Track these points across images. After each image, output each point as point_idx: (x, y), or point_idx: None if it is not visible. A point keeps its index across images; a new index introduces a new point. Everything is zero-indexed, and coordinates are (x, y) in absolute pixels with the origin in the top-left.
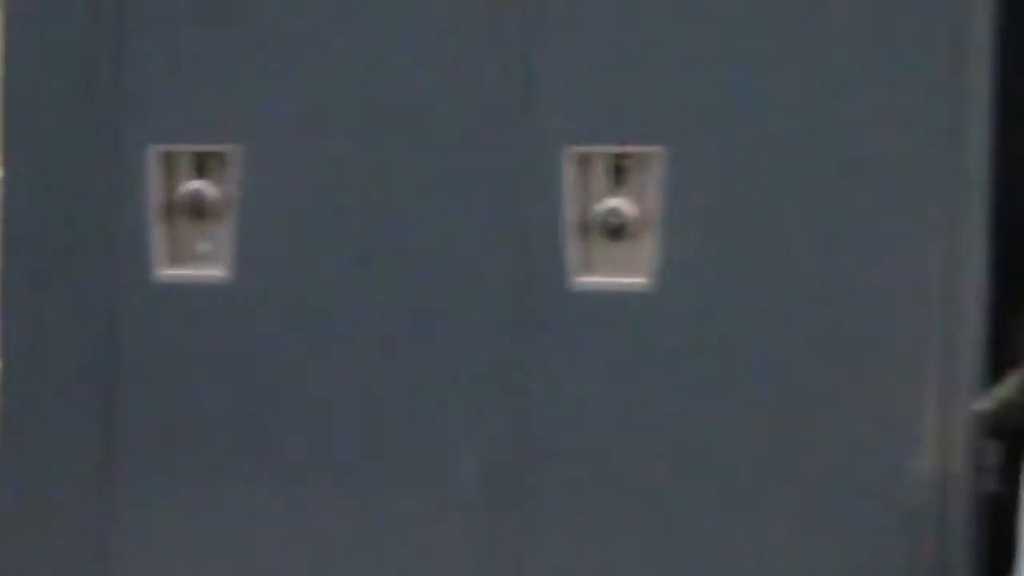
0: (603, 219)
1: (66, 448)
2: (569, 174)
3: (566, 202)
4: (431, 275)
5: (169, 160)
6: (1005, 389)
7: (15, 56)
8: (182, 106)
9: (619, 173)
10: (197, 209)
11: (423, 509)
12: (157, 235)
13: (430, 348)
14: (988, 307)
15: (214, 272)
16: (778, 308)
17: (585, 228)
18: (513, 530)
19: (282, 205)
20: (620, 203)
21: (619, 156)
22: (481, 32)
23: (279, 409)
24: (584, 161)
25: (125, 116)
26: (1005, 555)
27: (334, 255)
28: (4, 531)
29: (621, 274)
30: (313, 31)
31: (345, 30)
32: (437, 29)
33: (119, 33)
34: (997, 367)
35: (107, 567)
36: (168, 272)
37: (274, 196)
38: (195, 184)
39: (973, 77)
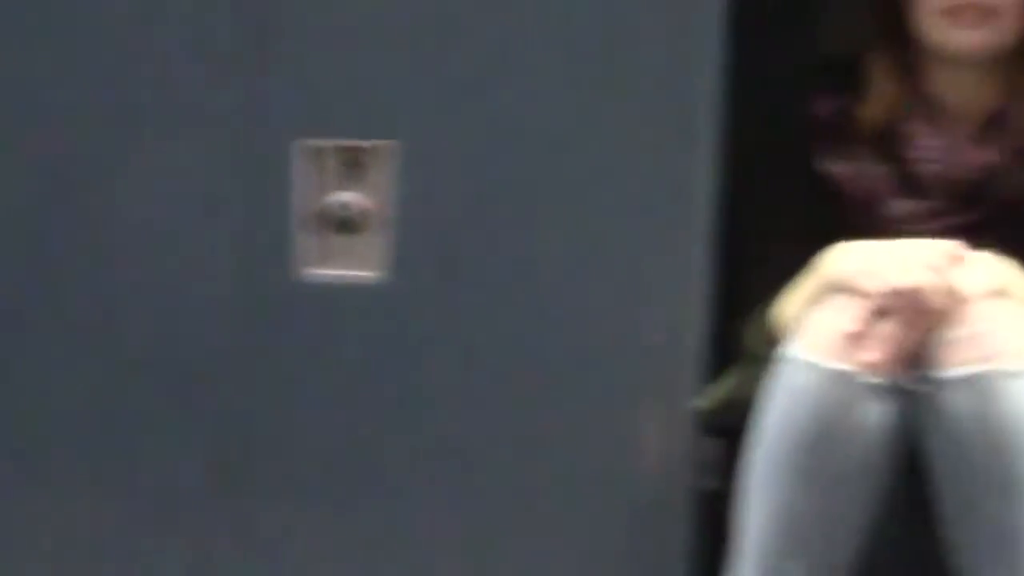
0: (334, 212)
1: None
2: (300, 167)
3: (297, 195)
4: (157, 267)
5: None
6: (724, 387)
7: None
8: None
9: (352, 167)
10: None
11: (143, 509)
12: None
13: (156, 339)
14: (710, 308)
15: None
16: (506, 304)
17: (316, 221)
18: (235, 527)
19: None
20: (352, 196)
21: (352, 149)
22: (213, 23)
23: None
24: (316, 154)
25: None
26: (723, 550)
27: None
28: None
29: (352, 267)
30: None
31: None
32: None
33: None
34: (718, 366)
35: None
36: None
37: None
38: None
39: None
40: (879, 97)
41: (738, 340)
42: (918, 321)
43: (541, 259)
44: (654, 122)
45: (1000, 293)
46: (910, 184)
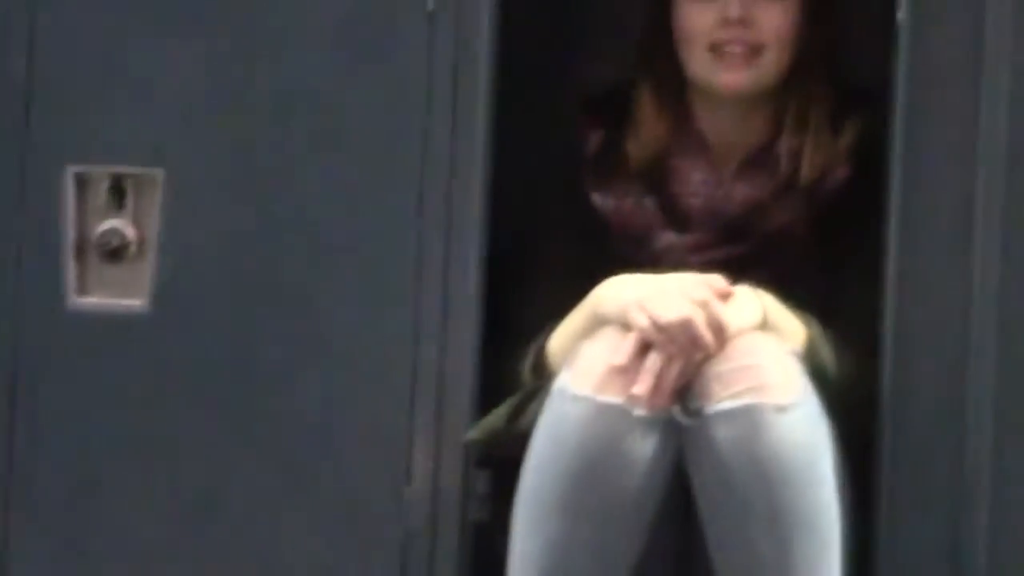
0: (103, 240)
1: None
2: (68, 194)
3: (64, 222)
4: None
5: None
6: (493, 418)
7: None
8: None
9: (119, 195)
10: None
11: None
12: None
13: None
14: (481, 340)
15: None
16: (275, 332)
17: (83, 249)
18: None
19: None
20: (120, 224)
21: (119, 177)
22: None
23: None
24: (84, 181)
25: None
26: None
27: None
28: None
29: (119, 296)
30: None
31: None
32: None
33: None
34: (491, 397)
35: None
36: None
37: None
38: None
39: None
40: (646, 132)
41: (511, 372)
42: (685, 355)
43: (312, 288)
44: (421, 153)
45: (764, 327)
46: (676, 218)
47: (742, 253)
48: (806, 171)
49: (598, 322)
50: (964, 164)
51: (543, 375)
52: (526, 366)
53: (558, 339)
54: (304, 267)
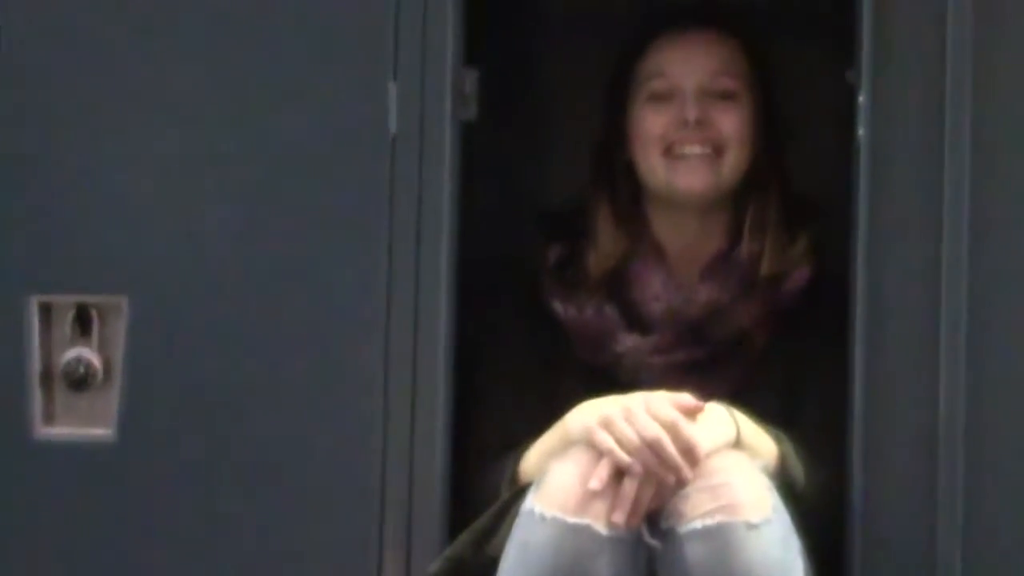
0: (68, 369)
1: None
2: (33, 323)
3: (30, 352)
4: None
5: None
6: (457, 546)
7: None
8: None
9: (84, 323)
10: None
11: None
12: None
13: None
14: (449, 465)
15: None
16: (241, 458)
17: (49, 378)
18: None
19: None
20: (85, 353)
21: (84, 305)
22: None
23: None
24: (48, 310)
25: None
26: None
27: None
28: None
29: (86, 425)
30: None
31: None
32: None
33: None
34: (455, 525)
35: None
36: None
37: None
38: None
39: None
40: (604, 245)
41: (475, 486)
42: (657, 477)
43: (276, 415)
44: (386, 270)
45: (737, 445)
46: (638, 322)
47: (704, 355)
48: (765, 271)
49: (569, 444)
50: (926, 272)
51: (513, 493)
52: (504, 492)
53: (532, 462)
54: (267, 391)
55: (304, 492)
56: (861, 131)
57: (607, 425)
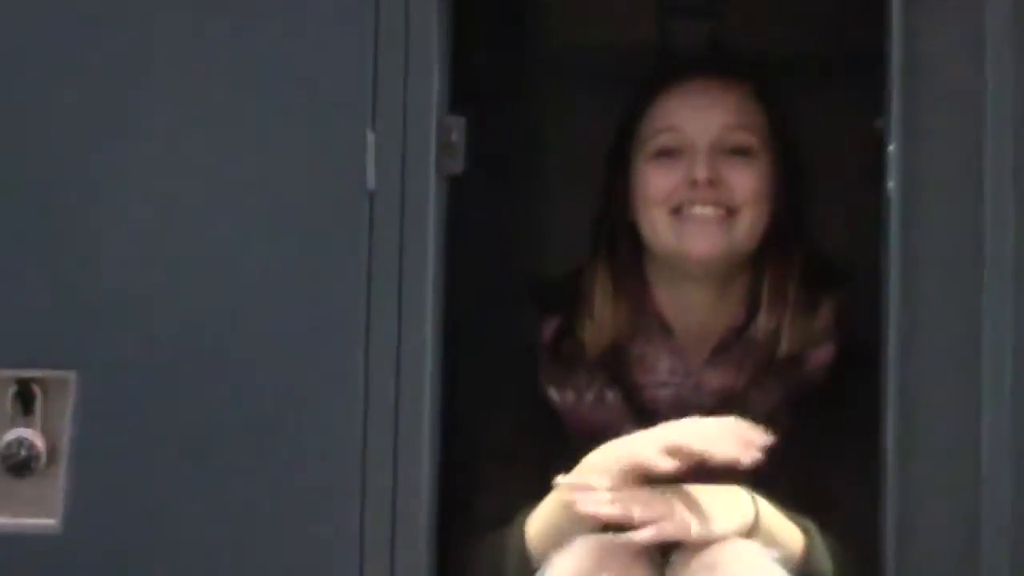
0: (8, 452)
1: None
2: None
3: None
4: None
5: None
6: None
7: None
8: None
9: (26, 401)
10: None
11: None
12: None
13: None
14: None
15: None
16: (196, 545)
17: None
18: None
19: None
20: (28, 434)
21: (27, 381)
22: None
23: None
24: None
25: None
26: None
27: None
28: None
29: (29, 514)
30: None
31: None
32: None
33: None
34: None
35: None
36: None
37: None
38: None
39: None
40: (600, 315)
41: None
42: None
43: (243, 508)
44: (364, 342)
45: (754, 531)
46: (642, 412)
47: None
48: (784, 351)
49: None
50: (965, 343)
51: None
52: (511, 559)
53: (538, 524)
54: (222, 471)
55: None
56: (891, 184)
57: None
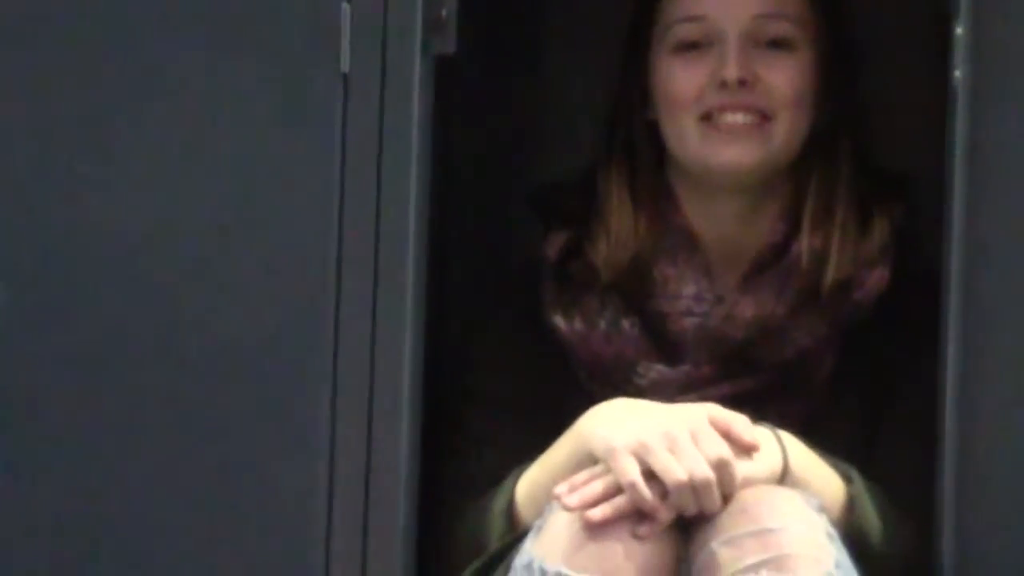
0: None
1: None
2: None
3: None
4: None
5: None
6: None
7: None
8: None
9: None
10: None
11: None
12: None
13: None
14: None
15: None
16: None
17: None
18: None
19: None
20: None
21: None
22: None
23: None
24: None
25: None
26: None
27: None
28: None
29: None
30: None
31: None
32: None
33: None
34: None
35: None
36: None
37: None
38: None
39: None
40: (618, 230)
41: (448, 534)
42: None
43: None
44: (337, 240)
45: (785, 479)
46: (665, 344)
47: (753, 388)
48: (831, 278)
49: (587, 462)
50: None
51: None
52: (496, 527)
53: (534, 488)
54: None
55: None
56: (958, 72)
57: (642, 452)
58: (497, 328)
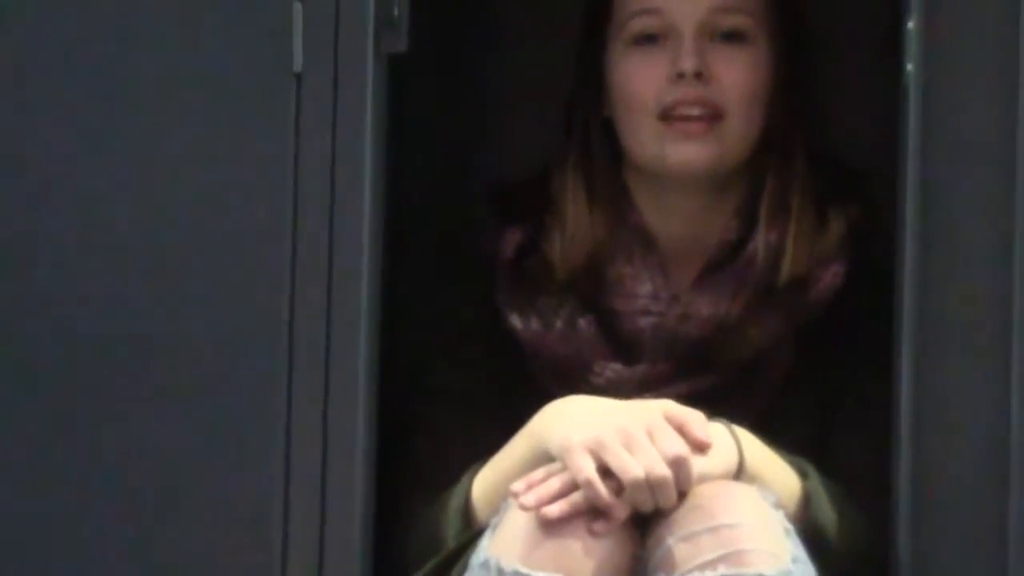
0: None
1: None
2: None
3: None
4: None
5: None
6: None
7: None
8: None
9: None
10: None
11: None
12: None
13: None
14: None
15: None
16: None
17: None
18: None
19: None
20: None
21: None
22: None
23: None
24: None
25: None
26: None
27: None
28: None
29: None
30: None
31: None
32: None
33: None
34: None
35: None
36: None
37: None
38: None
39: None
40: (574, 228)
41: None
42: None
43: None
44: (291, 240)
45: (740, 475)
46: (620, 343)
47: (710, 386)
48: (787, 273)
49: (543, 459)
50: (995, 256)
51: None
52: (451, 526)
53: (488, 487)
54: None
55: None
56: (910, 66)
57: (598, 449)
58: (454, 325)
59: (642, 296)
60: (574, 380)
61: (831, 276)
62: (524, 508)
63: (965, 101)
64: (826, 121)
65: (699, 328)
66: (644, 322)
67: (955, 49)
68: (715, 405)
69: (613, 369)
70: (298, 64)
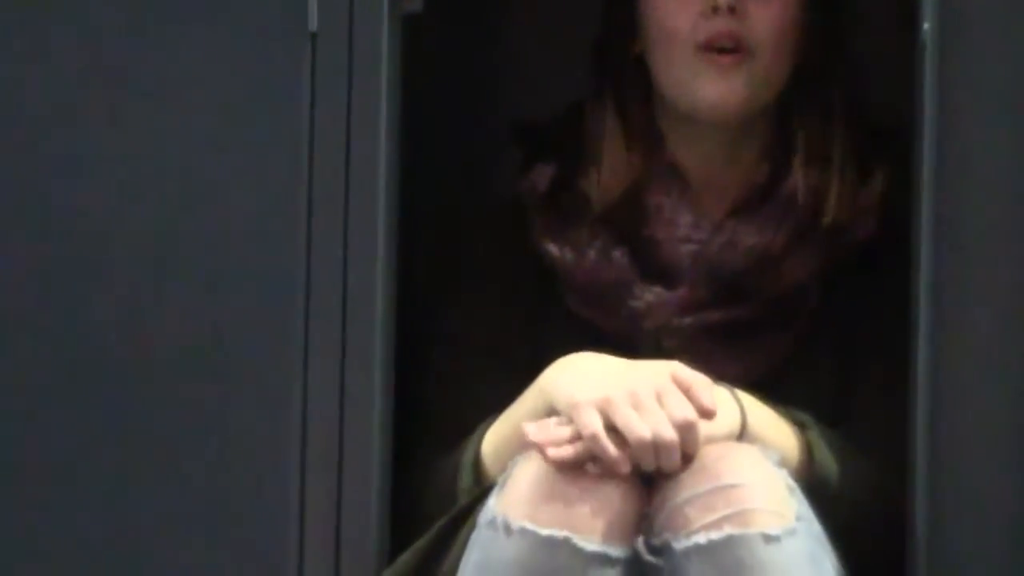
0: None
1: None
2: None
3: None
4: None
5: None
6: (399, 568)
7: None
8: None
9: None
10: None
11: None
12: None
13: None
14: (385, 470)
15: None
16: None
17: None
18: None
19: None
20: None
21: None
22: None
23: None
24: None
25: None
26: None
27: None
28: None
29: None
30: None
31: None
32: None
33: None
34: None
35: None
36: None
37: None
38: None
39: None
40: (612, 164)
41: (425, 484)
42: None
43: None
44: (306, 199)
45: (742, 437)
46: (658, 268)
47: (746, 316)
48: (831, 215)
49: (551, 415)
50: (1015, 216)
51: (474, 486)
52: (463, 480)
53: (499, 442)
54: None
55: (208, 505)
56: (927, 25)
57: (606, 407)
58: (472, 269)
59: (683, 225)
60: (612, 304)
61: (869, 228)
62: (529, 444)
63: (981, 59)
64: (859, 75)
65: (743, 256)
66: (685, 249)
67: (971, 7)
68: (746, 338)
69: (654, 292)
70: (313, 24)
